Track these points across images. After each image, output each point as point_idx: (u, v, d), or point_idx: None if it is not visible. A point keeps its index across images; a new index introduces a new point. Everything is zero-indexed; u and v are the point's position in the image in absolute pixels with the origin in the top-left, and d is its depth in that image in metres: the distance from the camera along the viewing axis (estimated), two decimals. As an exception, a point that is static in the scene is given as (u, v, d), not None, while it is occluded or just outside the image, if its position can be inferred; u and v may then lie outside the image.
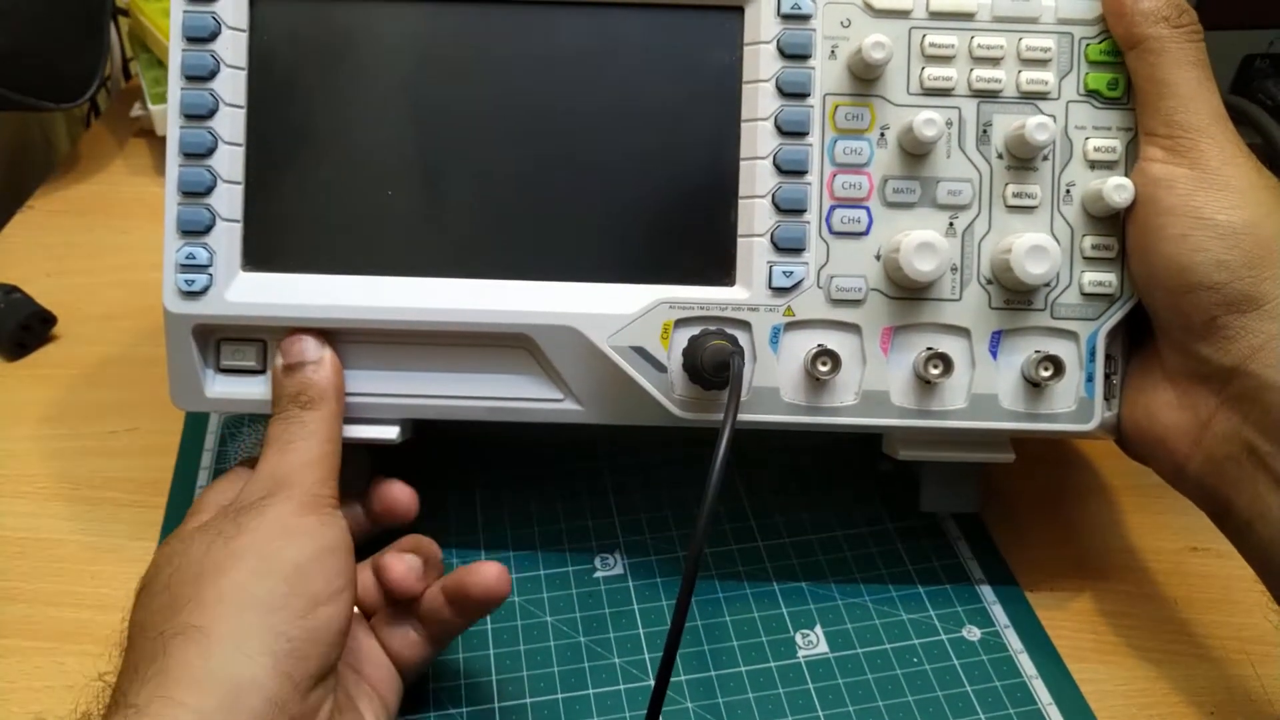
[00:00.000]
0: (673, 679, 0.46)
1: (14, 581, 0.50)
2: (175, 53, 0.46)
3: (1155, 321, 0.46)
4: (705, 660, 0.47)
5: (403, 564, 0.45)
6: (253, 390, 0.48)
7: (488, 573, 0.44)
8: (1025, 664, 0.48)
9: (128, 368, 0.63)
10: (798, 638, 0.49)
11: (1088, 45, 0.46)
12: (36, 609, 0.49)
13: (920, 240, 0.44)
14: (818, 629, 0.49)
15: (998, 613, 0.50)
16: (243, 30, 0.46)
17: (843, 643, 0.48)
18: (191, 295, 0.46)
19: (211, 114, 0.46)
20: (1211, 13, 0.60)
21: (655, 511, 0.54)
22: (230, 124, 0.46)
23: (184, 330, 0.47)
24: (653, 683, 0.46)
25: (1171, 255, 0.43)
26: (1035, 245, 0.44)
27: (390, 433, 0.48)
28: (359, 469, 0.49)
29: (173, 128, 0.46)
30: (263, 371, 0.48)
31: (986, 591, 0.51)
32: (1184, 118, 0.44)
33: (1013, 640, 0.49)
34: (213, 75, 0.46)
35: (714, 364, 0.44)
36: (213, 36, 0.46)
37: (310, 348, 0.46)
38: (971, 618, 0.50)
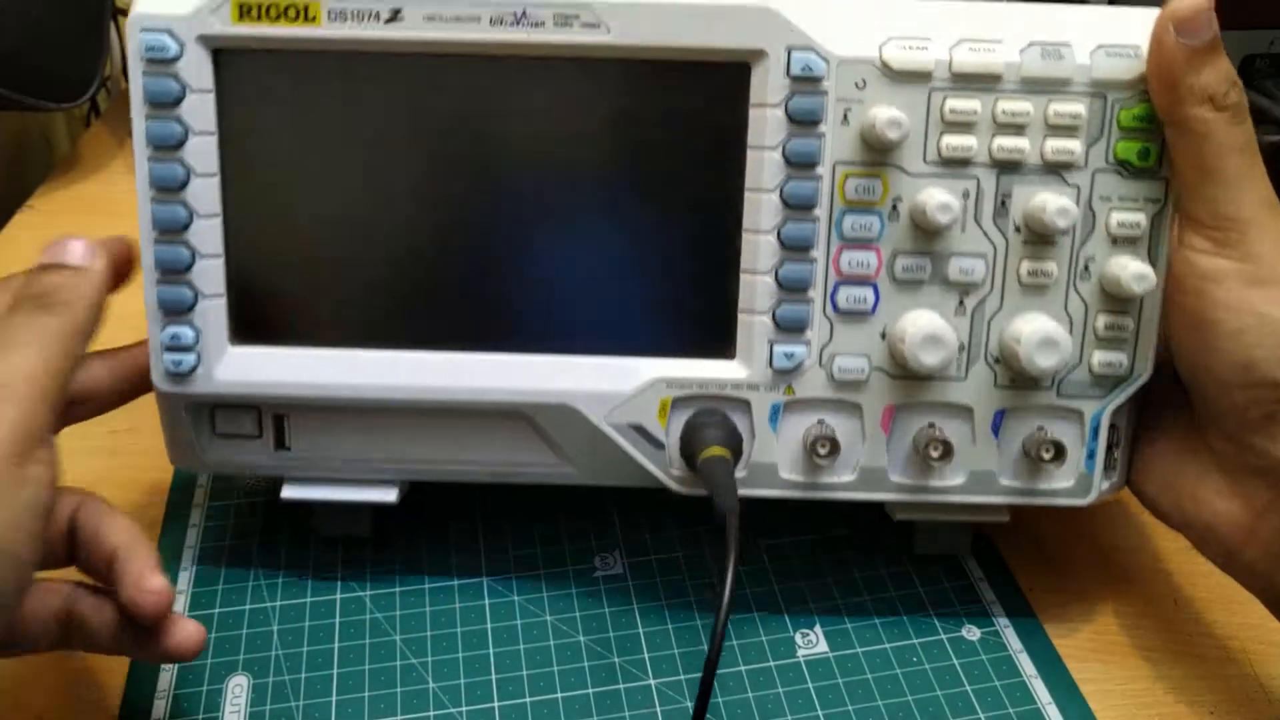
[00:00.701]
0: (672, 678, 0.47)
1: (14, 581, 0.50)
2: (138, 120, 0.43)
3: (1203, 409, 0.44)
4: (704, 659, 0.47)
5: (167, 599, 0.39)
6: (250, 455, 0.48)
7: (188, 632, 0.40)
8: (1025, 663, 0.48)
9: (128, 367, 0.63)
10: (797, 637, 0.49)
11: (1121, 109, 0.42)
12: (36, 608, 0.49)
13: (927, 334, 0.43)
14: (817, 628, 0.49)
15: (997, 612, 0.50)
16: (209, 91, 0.43)
17: (842, 642, 0.48)
18: (180, 376, 0.45)
19: (183, 186, 0.43)
20: (1211, 13, 0.60)
21: (655, 510, 0.54)
22: (206, 195, 0.43)
23: (176, 406, 0.46)
24: (652, 682, 0.46)
25: (1228, 351, 0.41)
26: (1046, 339, 0.43)
27: (389, 495, 0.49)
28: (359, 514, 0.50)
29: (143, 202, 0.44)
30: (259, 437, 0.47)
31: (986, 591, 0.51)
32: (1231, 209, 0.41)
33: (1012, 640, 0.49)
34: (181, 144, 0.43)
35: (707, 480, 0.43)
36: (177, 101, 0.42)
37: (77, 251, 0.40)
38: (971, 617, 0.50)
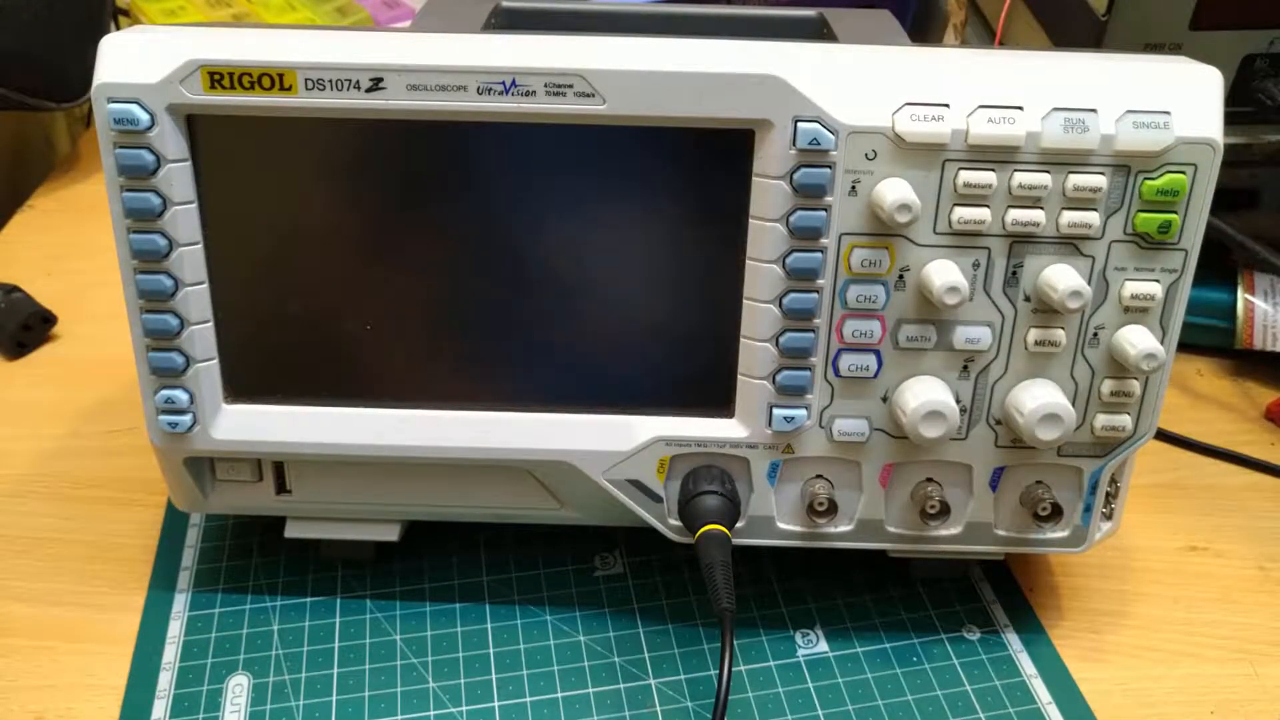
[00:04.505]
0: (672, 677, 0.47)
1: (14, 581, 0.50)
2: (113, 191, 0.41)
3: None
4: (705, 659, 0.47)
5: None
6: (252, 499, 0.48)
7: None
8: (1025, 663, 0.48)
9: (128, 368, 0.63)
10: (797, 637, 0.49)
11: (1144, 181, 0.40)
12: (36, 608, 0.49)
13: (929, 409, 0.42)
14: (817, 628, 0.49)
15: (997, 612, 0.50)
16: (185, 160, 0.41)
17: (842, 642, 0.48)
18: (176, 436, 0.45)
19: (165, 255, 0.42)
20: (1211, 13, 0.60)
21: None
22: (190, 263, 0.42)
23: (175, 460, 0.46)
24: (652, 681, 0.46)
25: None
26: (1049, 414, 0.42)
27: (391, 534, 0.49)
28: (362, 543, 0.50)
29: (126, 270, 0.42)
30: (260, 481, 0.47)
31: (986, 591, 0.51)
32: None
33: (1013, 640, 0.49)
34: (160, 214, 0.41)
35: (705, 575, 0.43)
36: (153, 172, 0.41)
37: None
38: (971, 617, 0.50)
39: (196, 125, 0.41)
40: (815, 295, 0.42)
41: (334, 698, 0.45)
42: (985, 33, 0.78)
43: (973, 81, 0.40)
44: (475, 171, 0.42)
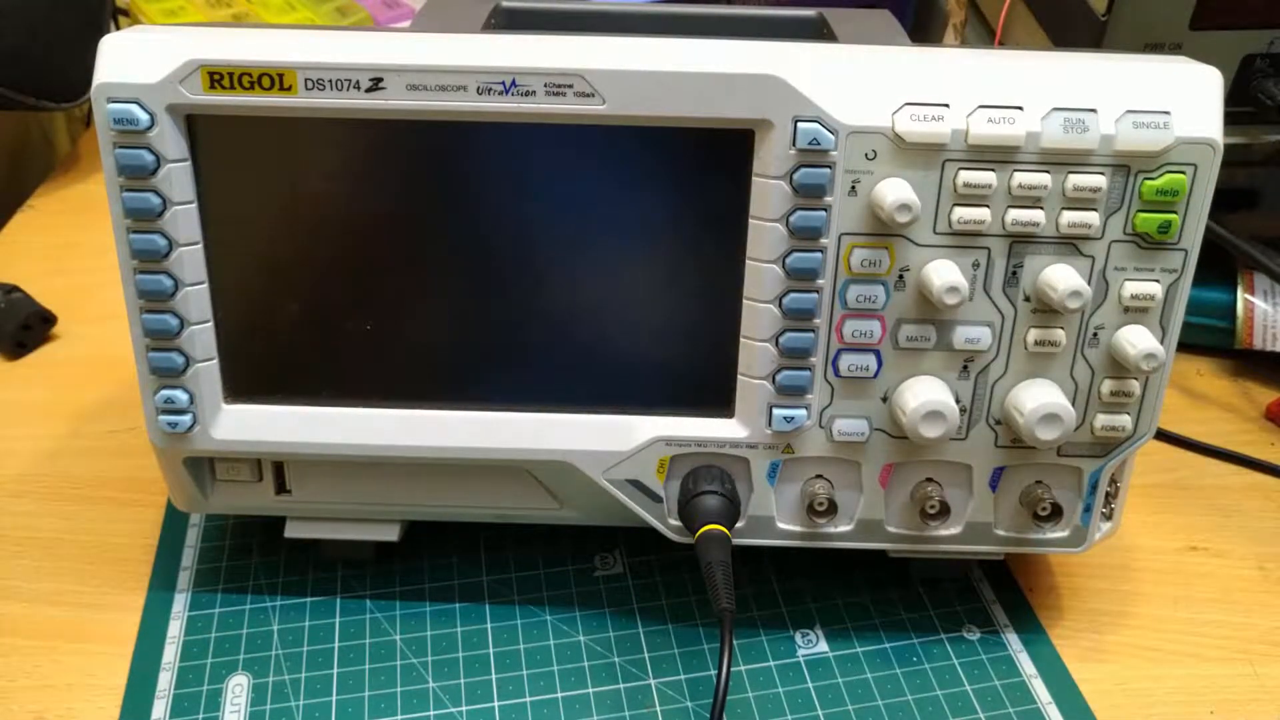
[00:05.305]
0: (672, 677, 0.47)
1: (14, 581, 0.50)
2: (113, 191, 0.41)
3: None
4: (705, 659, 0.47)
5: None
6: (252, 499, 0.48)
7: None
8: (1025, 663, 0.48)
9: (128, 368, 0.63)
10: (797, 637, 0.49)
11: (1144, 181, 0.40)
12: (36, 608, 0.49)
13: (929, 409, 0.42)
14: (817, 628, 0.49)
15: (997, 612, 0.50)
16: (185, 160, 0.41)
17: (842, 642, 0.48)
18: (176, 436, 0.45)
19: (165, 256, 0.42)
20: (1211, 13, 0.60)
21: (655, 511, 0.54)
22: (190, 263, 0.42)
23: (175, 460, 0.46)
24: (652, 681, 0.46)
25: None
26: (1049, 414, 0.42)
27: (391, 534, 0.49)
28: (362, 543, 0.50)
29: (126, 270, 0.42)
30: (260, 481, 0.47)
31: (986, 591, 0.51)
32: None
33: (1012, 640, 0.49)
34: (160, 214, 0.41)
35: (705, 575, 0.43)
36: (152, 172, 0.41)
37: None
38: (971, 617, 0.50)
39: (196, 125, 0.41)
40: (815, 295, 0.42)
41: (334, 698, 0.45)
42: (985, 33, 0.78)
43: (973, 81, 0.40)
44: (475, 171, 0.42)
